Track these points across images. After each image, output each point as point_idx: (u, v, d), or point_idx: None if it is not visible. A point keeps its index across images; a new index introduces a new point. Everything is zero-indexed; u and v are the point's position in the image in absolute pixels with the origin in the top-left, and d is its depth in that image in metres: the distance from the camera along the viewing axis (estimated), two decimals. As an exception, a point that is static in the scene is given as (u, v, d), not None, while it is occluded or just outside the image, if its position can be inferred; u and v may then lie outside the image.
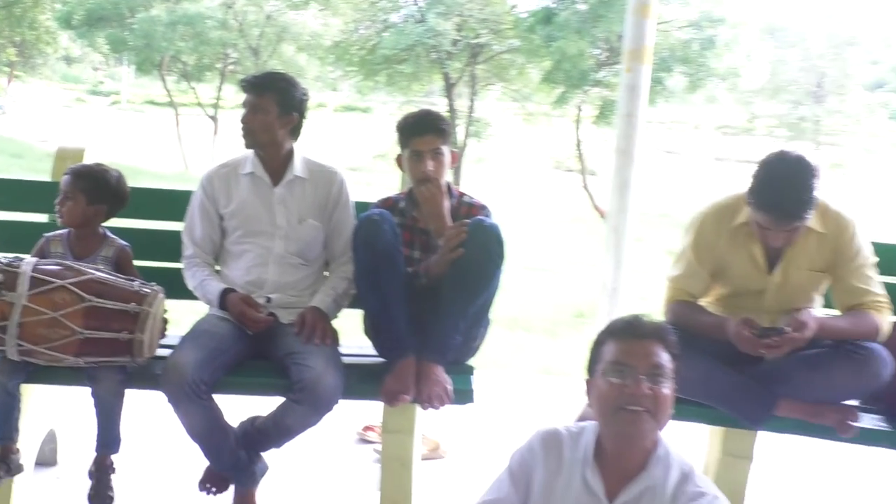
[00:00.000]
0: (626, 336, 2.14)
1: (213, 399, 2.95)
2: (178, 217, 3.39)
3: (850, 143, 25.70)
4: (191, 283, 3.28)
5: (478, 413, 3.29)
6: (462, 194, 3.41)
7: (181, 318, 3.35)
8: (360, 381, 3.14)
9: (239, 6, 21.70)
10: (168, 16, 21.19)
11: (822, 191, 3.06)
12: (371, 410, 3.46)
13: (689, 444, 3.02)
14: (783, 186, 3.06)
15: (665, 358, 2.11)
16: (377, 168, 20.71)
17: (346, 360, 3.15)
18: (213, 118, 24.05)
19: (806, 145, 22.05)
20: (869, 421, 3.21)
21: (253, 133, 3.25)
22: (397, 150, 3.29)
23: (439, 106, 13.90)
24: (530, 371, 4.10)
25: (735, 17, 12.94)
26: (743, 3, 13.69)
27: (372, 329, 3.31)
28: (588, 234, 11.90)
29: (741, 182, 3.12)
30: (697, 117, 31.85)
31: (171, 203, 3.57)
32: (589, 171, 13.30)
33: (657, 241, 12.68)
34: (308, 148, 3.43)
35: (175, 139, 23.98)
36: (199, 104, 24.55)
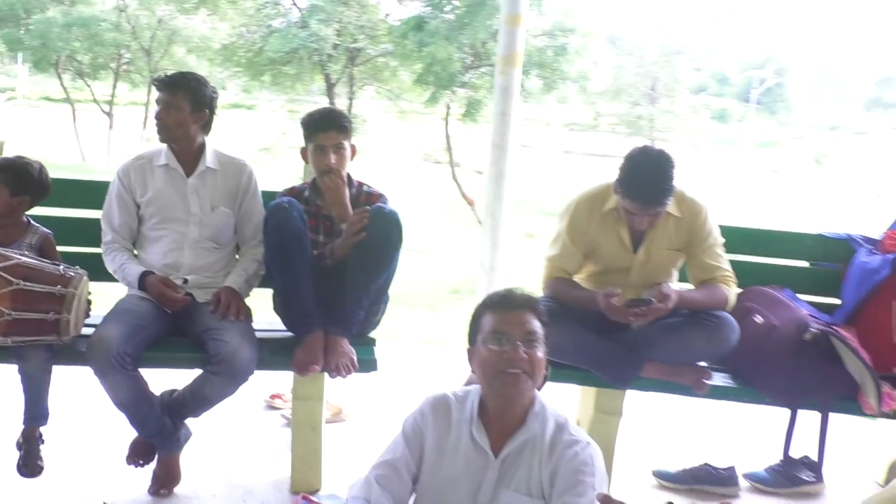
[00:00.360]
0: (501, 308, 2.20)
1: (137, 370, 2.95)
2: (98, 206, 3.37)
3: (678, 138, 26.76)
4: (111, 267, 3.26)
5: (369, 380, 3.37)
6: (361, 184, 3.48)
7: (103, 299, 3.21)
8: (272, 353, 3.16)
9: (131, 10, 21.15)
10: (63, 17, 20.70)
11: (679, 180, 3.23)
12: (277, 380, 3.58)
13: (564, 402, 3.04)
14: (647, 177, 3.19)
15: (537, 325, 2.19)
16: (262, 160, 20.51)
17: (258, 334, 3.17)
18: (109, 114, 23.42)
19: (642, 140, 22.80)
20: (719, 379, 3.40)
21: (168, 129, 3.23)
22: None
23: (320, 104, 13.83)
24: (414, 342, 4.09)
25: (584, 28, 13.29)
26: (590, 15, 14.02)
27: (282, 307, 3.34)
28: (457, 220, 12.02)
29: (589, 172, 3.19)
30: (549, 115, 32.46)
31: (90, 192, 3.52)
32: (455, 163, 13.37)
33: (516, 225, 12.91)
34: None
35: (72, 133, 23.14)
36: (95, 101, 23.80)
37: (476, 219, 12.04)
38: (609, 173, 3.34)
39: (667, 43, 25.16)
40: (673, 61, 25.18)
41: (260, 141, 23.27)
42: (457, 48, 12.61)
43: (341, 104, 13.05)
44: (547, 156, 28.41)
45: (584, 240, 3.39)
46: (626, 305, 3.16)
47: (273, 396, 4.14)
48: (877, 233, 3.81)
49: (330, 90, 13.00)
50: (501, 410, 2.18)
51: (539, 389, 2.24)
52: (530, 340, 2.15)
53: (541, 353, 2.16)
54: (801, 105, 47.93)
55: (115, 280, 3.29)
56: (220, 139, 3.42)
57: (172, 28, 19.65)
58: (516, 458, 2.17)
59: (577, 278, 3.50)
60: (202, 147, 3.32)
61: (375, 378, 3.29)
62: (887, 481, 3.83)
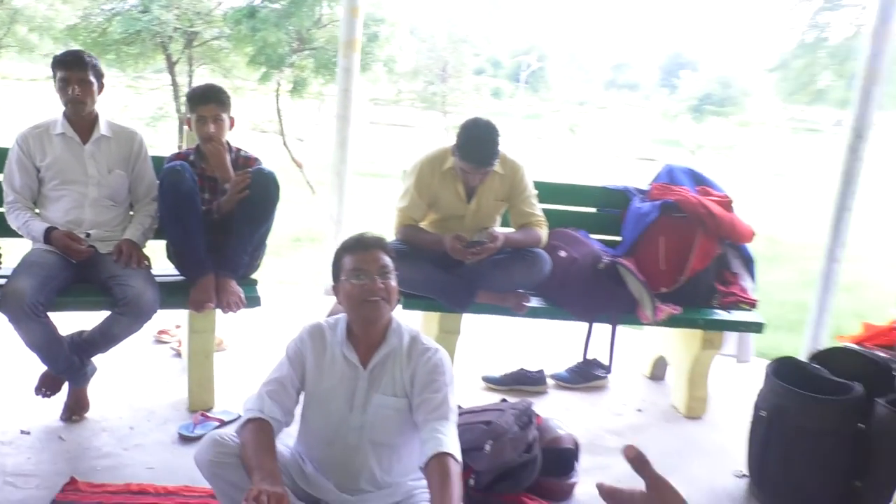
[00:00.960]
0: (357, 249, 2.29)
1: (48, 316, 2.96)
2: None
3: (464, 111, 27.24)
4: (15, 224, 3.22)
5: (242, 316, 3.37)
6: (239, 149, 3.59)
7: (7, 254, 3.09)
8: (169, 295, 3.21)
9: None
10: None
11: (504, 144, 3.49)
12: (163, 318, 3.53)
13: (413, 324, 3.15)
14: (479, 143, 3.45)
15: (388, 260, 2.30)
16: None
17: (156, 279, 3.23)
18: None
19: (436, 114, 23.08)
20: (535, 302, 3.69)
21: (83, 104, 3.18)
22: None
23: (163, 81, 13.24)
24: (269, 283, 4.07)
25: (391, 19, 13.15)
26: (395, 7, 13.92)
27: (175, 255, 3.43)
28: (289, 181, 11.79)
29: (392, 140, 3.31)
30: (360, 92, 32.03)
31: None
32: (284, 133, 13.10)
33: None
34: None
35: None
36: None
37: (304, 179, 11.83)
38: (411, 140, 3.46)
39: (454, 32, 25.51)
40: (459, 48, 25.75)
41: (105, 113, 21.83)
42: (285, 34, 12.32)
43: (182, 81, 12.43)
44: (357, 126, 28.00)
45: (428, 193, 3.64)
46: (465, 246, 3.35)
47: (161, 332, 4.22)
48: (645, 185, 4.09)
49: (171, 68, 12.35)
50: (366, 331, 2.30)
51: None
52: (385, 273, 2.27)
53: (393, 282, 2.30)
54: (558, 85, 50.21)
55: (20, 236, 3.23)
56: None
57: (14, 7, 17.82)
58: (382, 368, 2.30)
59: (423, 224, 3.72)
60: (96, 117, 3.31)
61: (243, 313, 3.34)
62: (651, 374, 4.14)
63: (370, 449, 2.28)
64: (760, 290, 4.01)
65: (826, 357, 3.27)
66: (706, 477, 3.23)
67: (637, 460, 1.13)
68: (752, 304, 3.80)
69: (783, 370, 3.12)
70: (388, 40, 13.97)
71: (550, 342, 4.48)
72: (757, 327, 3.73)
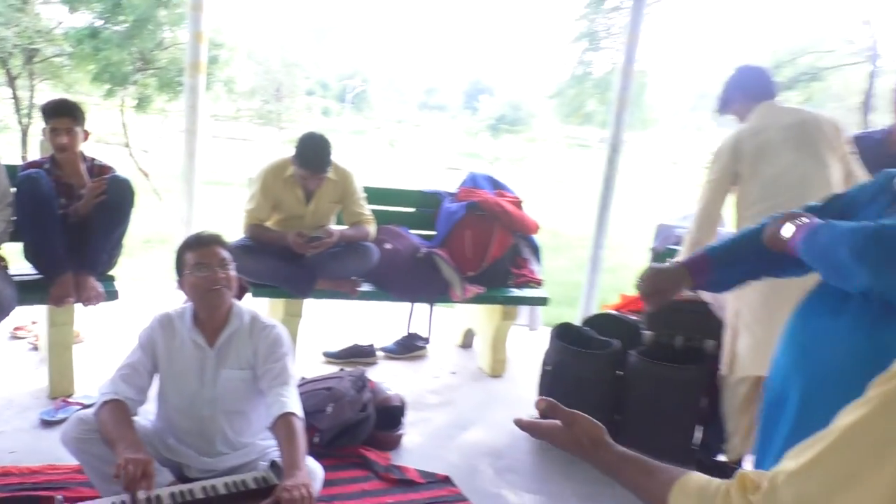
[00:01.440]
0: (198, 246, 2.27)
1: None
2: None
3: (298, 128, 26.86)
4: None
5: (97, 309, 3.22)
6: (93, 158, 3.41)
7: None
8: (27, 292, 3.02)
9: None
10: None
11: (335, 155, 3.56)
12: (19, 315, 3.32)
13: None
14: (314, 152, 3.53)
15: (226, 253, 2.28)
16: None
17: (14, 279, 3.03)
18: None
19: (272, 129, 22.50)
20: (366, 287, 3.78)
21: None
22: None
23: (4, 94, 12.11)
24: (123, 280, 3.90)
25: (231, 43, 12.72)
26: (234, 33, 13.47)
27: (34, 256, 3.19)
28: (137, 189, 11.15)
29: (232, 153, 3.31)
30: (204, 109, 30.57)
31: None
32: (130, 145, 12.35)
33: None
34: None
35: None
36: None
37: (151, 187, 11.20)
38: (251, 152, 3.47)
39: (287, 57, 24.93)
40: (292, 71, 25.33)
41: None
42: (128, 54, 11.59)
43: (23, 95, 11.37)
44: (202, 139, 26.78)
45: (272, 197, 3.64)
46: (306, 241, 3.36)
47: (16, 329, 3.82)
48: (453, 189, 4.24)
49: (12, 83, 11.22)
50: (211, 316, 2.28)
51: (239, 299, 2.39)
52: (224, 265, 2.26)
53: (233, 272, 2.28)
54: (379, 105, 50.30)
55: None
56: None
57: None
58: (227, 346, 2.29)
59: (268, 224, 3.70)
60: None
61: (102, 307, 3.20)
62: (462, 343, 4.31)
63: (223, 417, 2.27)
64: (545, 272, 4.27)
65: (594, 322, 3.62)
66: (506, 422, 3.38)
67: (549, 409, 1.12)
68: (538, 283, 4.08)
69: (563, 333, 3.42)
70: (227, 63, 13.50)
71: (379, 320, 4.56)
72: (543, 301, 4.02)
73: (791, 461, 0.81)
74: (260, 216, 3.58)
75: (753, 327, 2.79)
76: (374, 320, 4.60)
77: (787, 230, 1.59)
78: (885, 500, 0.74)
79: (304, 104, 29.61)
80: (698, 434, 3.14)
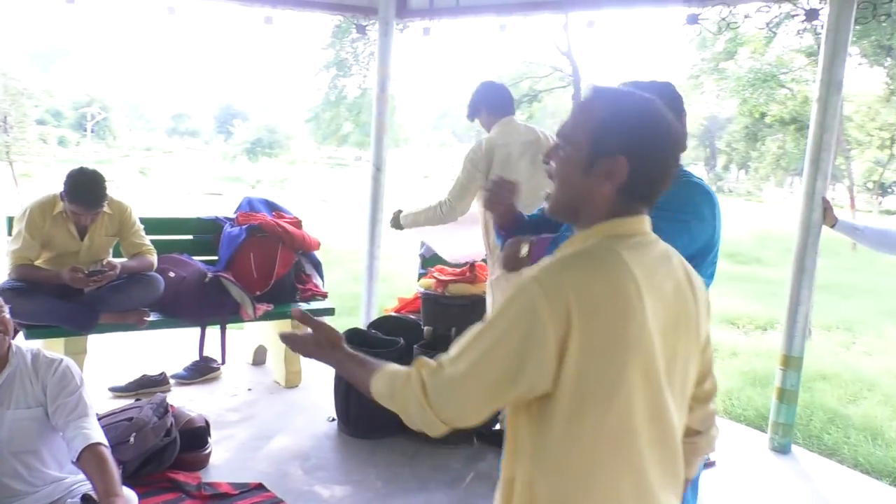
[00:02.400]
0: None
1: None
2: None
3: (33, 160, 23.87)
4: None
5: None
6: None
7: None
8: None
9: None
10: None
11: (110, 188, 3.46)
12: None
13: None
14: (87, 188, 3.39)
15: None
16: None
17: None
18: None
19: (2, 164, 19.84)
20: (154, 316, 3.70)
21: None
22: None
23: None
24: None
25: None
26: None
27: None
28: None
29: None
30: None
31: None
32: None
33: None
34: None
35: None
36: None
37: None
38: None
39: (11, 85, 21.98)
40: (19, 100, 22.20)
41: None
42: None
43: None
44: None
45: (41, 235, 3.43)
46: (87, 275, 3.21)
47: None
48: (230, 214, 4.26)
49: None
50: None
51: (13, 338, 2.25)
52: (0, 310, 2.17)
53: (7, 314, 2.15)
54: (123, 133, 46.39)
55: None
56: None
57: None
58: (10, 386, 2.15)
59: (38, 262, 3.48)
60: None
61: None
62: (254, 360, 4.34)
63: (13, 459, 2.14)
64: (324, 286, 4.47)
65: (378, 324, 3.88)
66: (308, 427, 3.60)
67: (302, 318, 1.37)
68: (324, 296, 4.25)
69: (352, 338, 3.64)
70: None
71: (167, 348, 4.45)
72: (330, 312, 4.14)
73: (454, 348, 1.14)
74: (28, 256, 3.35)
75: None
76: (163, 349, 4.46)
77: (525, 250, 1.99)
78: (510, 365, 1.07)
79: (37, 134, 26.44)
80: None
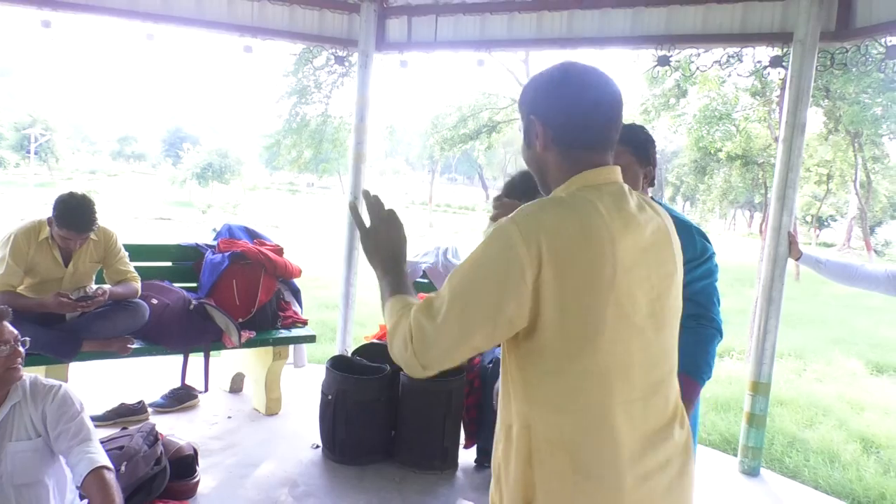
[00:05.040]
0: None
1: None
2: None
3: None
4: None
5: None
6: None
7: None
8: None
9: None
10: None
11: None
12: None
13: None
14: (77, 212, 3.38)
15: (13, 327, 2.18)
16: None
17: None
18: None
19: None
20: (138, 343, 3.63)
21: None
22: None
23: None
24: None
25: None
26: None
27: None
28: None
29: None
30: None
31: None
32: None
33: None
34: None
35: None
36: None
37: None
38: None
39: None
40: None
41: None
42: None
43: None
44: None
45: (24, 261, 3.38)
46: (74, 301, 3.19)
47: None
48: (210, 240, 4.25)
49: None
50: None
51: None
52: (17, 340, 2.17)
53: (21, 348, 2.16)
54: (67, 155, 45.08)
55: None
56: None
57: None
58: (11, 418, 2.14)
59: (20, 289, 3.41)
60: None
61: None
62: (231, 388, 4.32)
63: (13, 493, 2.13)
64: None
65: (362, 351, 3.92)
66: (293, 453, 3.60)
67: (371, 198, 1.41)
68: (304, 323, 4.27)
69: (338, 363, 3.67)
70: None
71: (145, 376, 4.38)
72: (311, 338, 4.19)
73: (443, 288, 1.19)
74: (11, 283, 3.29)
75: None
76: (141, 377, 4.40)
77: None
78: (491, 302, 1.14)
79: None
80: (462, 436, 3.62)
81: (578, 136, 1.26)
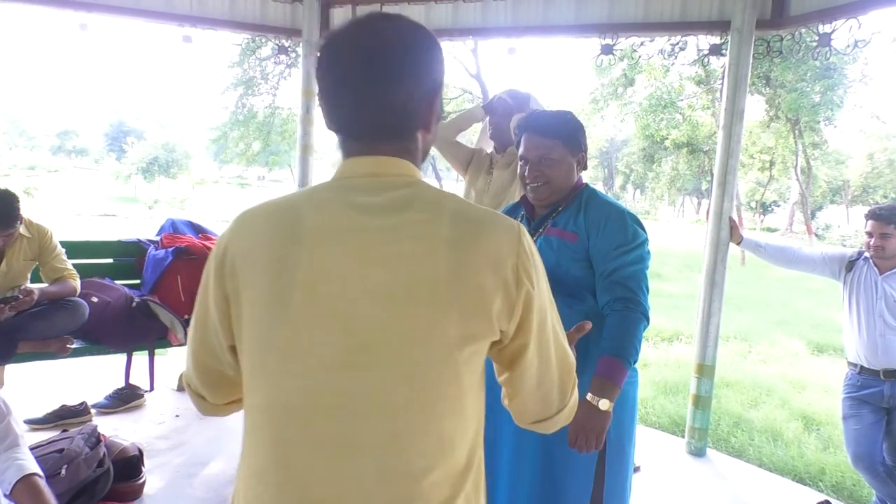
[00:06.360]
0: None
1: None
2: None
3: None
4: None
5: None
6: None
7: None
8: None
9: None
10: None
11: (24, 210, 3.33)
12: None
13: None
14: None
15: None
16: None
17: None
18: None
19: None
20: (77, 343, 3.54)
21: None
22: None
23: None
24: None
25: None
26: None
27: None
28: None
29: None
30: None
31: None
32: None
33: None
34: None
35: None
36: None
37: None
38: None
39: None
40: None
41: None
42: None
43: None
44: None
45: None
46: (1, 302, 3.07)
47: None
48: (153, 236, 4.16)
49: None
50: None
51: None
52: None
53: None
54: (3, 151, 43.38)
55: None
56: None
57: None
58: None
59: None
60: None
61: None
62: (179, 386, 4.23)
63: None
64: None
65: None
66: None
67: None
68: (252, 318, 4.22)
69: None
70: None
71: (87, 376, 4.27)
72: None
73: None
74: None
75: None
76: (82, 378, 4.27)
77: None
78: (204, 332, 1.02)
79: None
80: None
81: (335, 122, 1.00)
